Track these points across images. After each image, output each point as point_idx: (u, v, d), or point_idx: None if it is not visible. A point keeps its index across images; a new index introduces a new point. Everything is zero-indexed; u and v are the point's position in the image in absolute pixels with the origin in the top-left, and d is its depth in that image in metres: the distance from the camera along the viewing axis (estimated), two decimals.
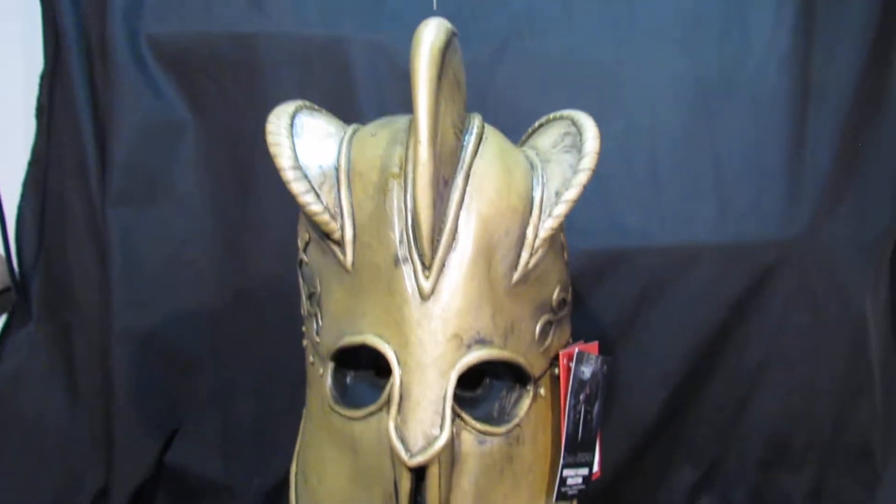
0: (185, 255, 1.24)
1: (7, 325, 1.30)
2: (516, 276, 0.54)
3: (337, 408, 0.55)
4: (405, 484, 0.48)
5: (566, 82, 1.14)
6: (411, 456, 0.46)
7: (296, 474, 0.65)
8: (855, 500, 1.21)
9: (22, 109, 1.28)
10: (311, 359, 0.62)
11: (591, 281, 1.12)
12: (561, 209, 0.54)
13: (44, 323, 1.28)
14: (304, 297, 0.63)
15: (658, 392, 1.14)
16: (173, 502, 1.25)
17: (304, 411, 0.64)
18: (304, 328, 0.65)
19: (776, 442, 1.17)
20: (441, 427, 0.47)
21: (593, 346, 0.61)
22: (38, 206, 1.28)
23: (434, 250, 0.50)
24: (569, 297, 0.63)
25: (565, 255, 0.63)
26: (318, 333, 0.59)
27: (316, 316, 0.59)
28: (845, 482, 1.20)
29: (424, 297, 0.50)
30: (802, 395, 1.16)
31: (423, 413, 0.47)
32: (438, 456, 0.47)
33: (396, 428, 0.47)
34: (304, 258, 0.61)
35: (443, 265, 0.51)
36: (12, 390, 1.26)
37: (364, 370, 0.58)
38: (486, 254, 0.52)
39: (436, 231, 0.50)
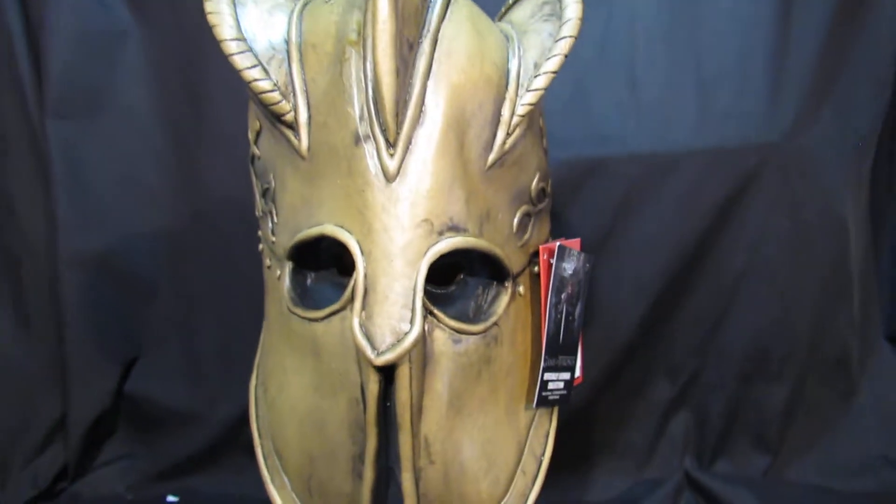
0: (136, 172, 1.15)
1: None
2: (492, 157, 0.47)
3: (296, 310, 0.49)
4: (372, 387, 0.42)
5: None
6: (378, 354, 0.41)
7: (255, 388, 0.60)
8: (831, 410, 1.20)
9: None
10: (267, 262, 0.56)
11: (568, 192, 1.07)
12: (540, 81, 0.48)
13: None
14: (257, 197, 0.56)
15: (636, 306, 1.11)
16: (135, 432, 1.20)
17: (264, 322, 0.59)
18: (259, 232, 0.59)
19: (754, 354, 1.15)
20: (411, 321, 0.41)
21: (575, 243, 0.56)
22: None
23: (399, 125, 0.43)
24: (549, 189, 0.57)
25: (544, 141, 0.57)
26: (273, 232, 0.53)
27: (270, 213, 0.53)
28: (822, 392, 1.20)
29: (389, 178, 0.43)
30: (782, 305, 1.13)
31: (390, 307, 0.42)
32: (409, 354, 0.41)
33: (361, 324, 0.41)
34: (256, 151, 0.54)
35: (409, 142, 0.44)
36: None
37: (326, 271, 0.52)
38: (457, 129, 0.45)
39: (400, 103, 0.43)
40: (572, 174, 1.07)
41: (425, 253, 0.43)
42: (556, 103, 1.07)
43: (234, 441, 1.17)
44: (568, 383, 0.56)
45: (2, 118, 1.17)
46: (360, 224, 0.43)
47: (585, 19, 1.02)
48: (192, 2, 1.08)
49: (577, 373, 0.58)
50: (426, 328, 0.45)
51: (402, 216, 0.43)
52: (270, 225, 0.53)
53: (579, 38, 1.07)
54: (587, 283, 0.57)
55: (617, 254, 1.09)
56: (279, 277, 0.51)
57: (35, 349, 1.19)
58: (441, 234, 0.44)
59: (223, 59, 1.11)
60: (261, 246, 0.58)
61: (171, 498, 1.13)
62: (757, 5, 1.05)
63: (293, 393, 0.50)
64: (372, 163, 0.43)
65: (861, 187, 1.17)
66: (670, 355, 1.15)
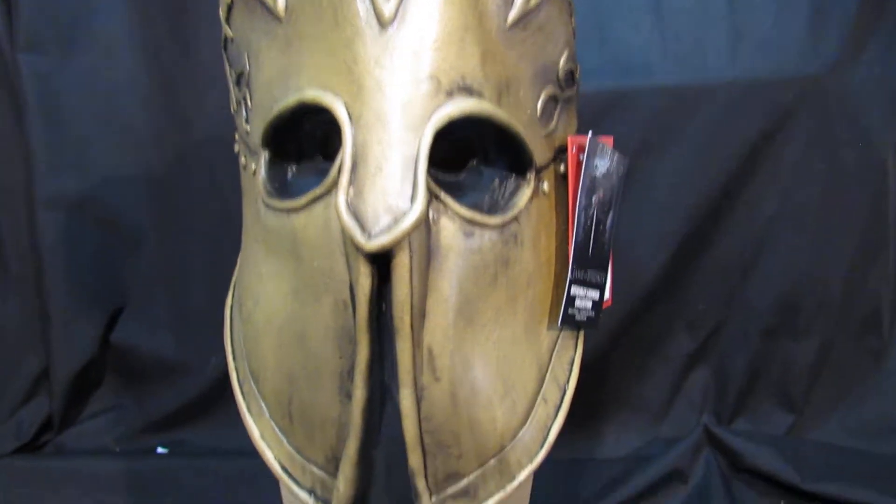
0: (116, 109, 1.07)
1: None
2: (513, 13, 0.39)
3: (272, 201, 0.41)
4: (364, 282, 0.34)
5: None
6: (370, 237, 0.32)
7: (230, 307, 0.52)
8: (859, 369, 1.13)
9: None
10: (243, 161, 0.48)
11: (589, 126, 0.98)
12: None
13: None
14: (231, 87, 0.49)
15: (657, 253, 1.03)
16: (123, 384, 1.14)
17: (242, 234, 0.51)
18: (235, 135, 0.51)
19: (782, 307, 1.07)
20: (412, 198, 0.33)
21: (608, 139, 0.48)
22: None
23: None
24: (577, 74, 0.49)
25: (572, 21, 0.48)
26: (247, 121, 0.45)
27: (245, 101, 0.45)
28: (851, 350, 1.12)
29: (384, 23, 0.35)
30: (813, 255, 1.05)
31: (385, 181, 0.33)
32: (409, 239, 0.34)
33: (349, 203, 0.33)
34: (229, 31, 0.46)
35: None
36: None
37: (310, 161, 0.44)
38: None
39: None
40: (590, 108, 0.97)
41: (430, 116, 0.35)
42: (577, 32, 0.99)
43: (225, 392, 1.10)
44: (596, 304, 0.48)
45: None
46: (347, 82, 0.35)
47: None
48: None
49: (607, 294, 0.50)
50: (431, 215, 0.37)
51: (400, 70, 0.35)
52: (245, 114, 0.45)
53: None
54: (621, 190, 0.49)
55: (638, 196, 1.01)
56: (254, 173, 0.44)
57: (15, 297, 1.12)
58: (450, 94, 0.36)
59: None
60: (236, 146, 0.50)
61: (160, 450, 1.06)
62: None
63: (270, 303, 0.42)
64: (362, 6, 0.35)
65: None
66: (692, 307, 1.08)
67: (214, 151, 1.07)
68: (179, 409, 1.10)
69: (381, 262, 0.34)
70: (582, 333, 0.50)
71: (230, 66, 0.48)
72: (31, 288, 1.10)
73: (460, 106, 0.36)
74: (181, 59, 1.06)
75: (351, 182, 0.33)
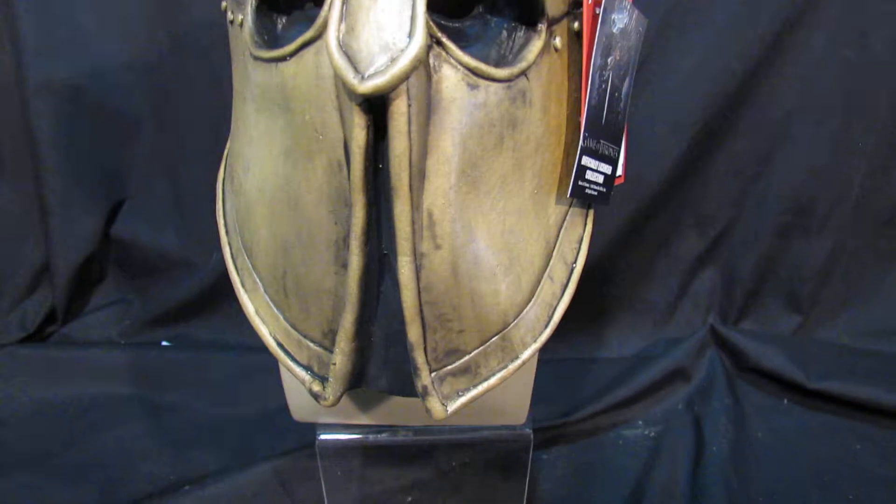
0: None
1: None
2: None
3: (260, 52, 0.37)
4: (358, 133, 0.31)
5: None
6: (364, 78, 0.29)
7: (222, 181, 0.49)
8: (870, 272, 1.11)
9: None
10: (230, 16, 0.44)
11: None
12: None
13: None
14: None
15: (669, 147, 0.99)
16: (125, 278, 1.13)
17: (232, 101, 0.47)
18: None
19: (796, 206, 1.04)
20: (410, 34, 0.29)
21: None
22: None
23: None
24: None
25: None
26: None
27: None
28: (863, 252, 1.10)
29: None
30: (832, 150, 1.01)
31: (380, 14, 0.30)
32: (407, 82, 0.30)
33: (340, 41, 0.30)
34: None
35: None
36: None
37: (299, 11, 0.40)
38: None
39: None
40: None
41: None
42: None
43: (228, 286, 1.09)
44: (608, 179, 0.45)
45: None
46: None
47: None
48: None
49: (619, 170, 0.47)
50: (432, 62, 0.34)
51: None
52: None
53: None
54: (637, 54, 0.45)
55: (651, 86, 0.96)
56: (241, 24, 0.40)
57: (12, 190, 1.10)
58: None
59: None
60: (223, 3, 0.46)
61: (164, 343, 1.07)
62: None
63: (261, 168, 0.40)
64: None
65: None
66: (702, 204, 1.05)
67: (210, 35, 1.01)
68: (183, 303, 1.10)
69: (378, 112, 0.31)
70: (592, 211, 0.47)
71: None
72: (29, 179, 1.08)
73: None
74: None
75: (342, 18, 0.30)
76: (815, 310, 1.10)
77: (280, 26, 0.40)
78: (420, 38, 0.29)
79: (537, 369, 1.00)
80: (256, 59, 0.38)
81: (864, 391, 0.93)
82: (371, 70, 0.29)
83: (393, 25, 0.29)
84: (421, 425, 0.63)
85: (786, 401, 0.97)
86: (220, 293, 1.09)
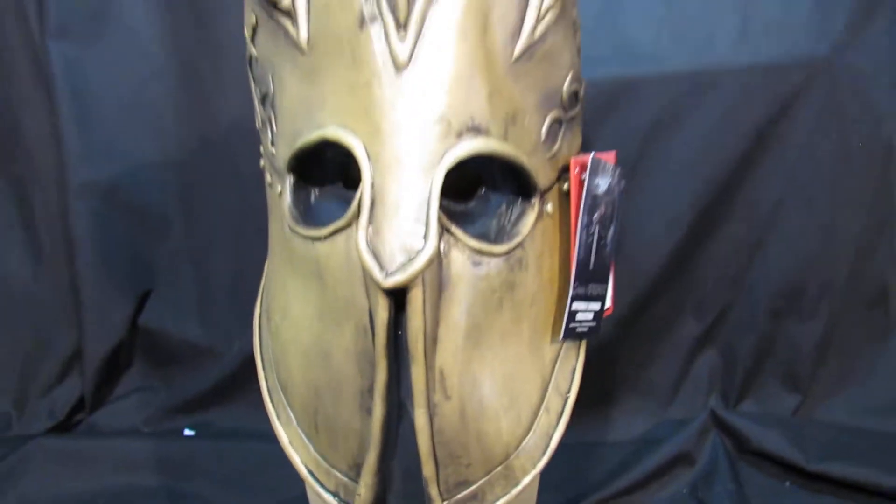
0: (142, 98, 1.10)
1: None
2: (519, 46, 0.41)
3: (298, 228, 0.44)
4: (382, 314, 0.37)
5: None
6: (387, 275, 0.36)
7: (259, 316, 0.55)
8: (865, 350, 1.15)
9: None
10: (268, 178, 0.50)
11: (596, 115, 1.00)
12: None
13: None
14: (256, 104, 0.51)
15: (666, 236, 1.05)
16: (151, 366, 1.19)
17: (269, 244, 0.54)
18: (260, 147, 0.53)
19: (788, 289, 1.09)
20: (425, 237, 0.36)
21: (610, 155, 0.50)
22: None
23: (411, 1, 0.37)
24: (582, 92, 0.51)
25: (577, 37, 0.50)
26: (272, 143, 0.47)
27: (270, 122, 0.47)
28: (856, 331, 1.14)
29: (399, 67, 0.38)
30: (820, 237, 1.07)
31: (401, 220, 0.36)
32: (422, 275, 0.36)
33: (368, 241, 0.36)
34: (254, 50, 0.48)
35: (423, 22, 0.38)
36: None
37: (332, 185, 0.47)
38: (479, 9, 0.39)
39: None
40: (601, 95, 0.99)
41: (442, 157, 0.37)
42: (584, 19, 0.99)
43: (249, 375, 1.12)
44: (597, 314, 0.51)
45: (4, 41, 1.11)
46: (366, 124, 0.38)
47: None
48: None
49: (608, 303, 0.53)
50: (442, 248, 0.40)
51: (415, 113, 0.37)
52: (270, 135, 0.48)
53: None
54: (621, 203, 0.51)
55: (647, 181, 1.03)
56: (280, 194, 0.46)
57: (49, 281, 1.17)
58: (460, 135, 0.38)
59: None
60: (262, 161, 0.53)
61: (187, 431, 1.12)
62: None
63: (296, 321, 0.46)
64: (379, 48, 0.38)
65: None
66: (699, 290, 1.10)
67: (237, 138, 1.10)
68: (205, 392, 1.15)
69: (398, 293, 0.37)
70: (584, 343, 0.53)
71: (255, 84, 0.51)
72: (64, 271, 1.15)
73: (468, 146, 0.38)
74: (204, 47, 1.09)
75: (370, 221, 0.36)
76: (813, 388, 1.13)
77: (314, 197, 0.46)
78: (433, 242, 0.35)
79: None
80: (294, 232, 0.44)
81: (863, 473, 0.96)
82: (393, 268, 0.35)
83: (411, 230, 0.36)
84: None
85: (788, 483, 0.99)
86: (241, 382, 1.14)
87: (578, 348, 0.52)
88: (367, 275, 0.37)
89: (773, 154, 1.02)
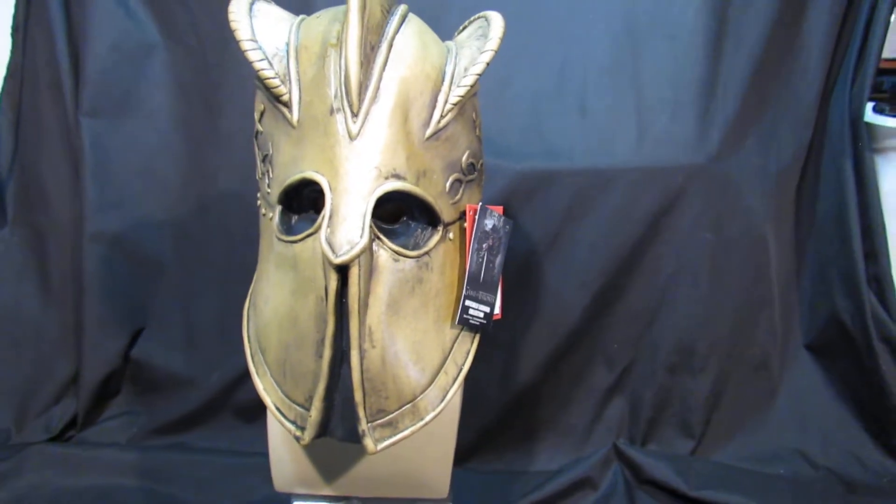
0: (154, 166, 1.34)
1: None
2: (429, 131, 0.66)
3: (283, 237, 0.67)
4: (332, 284, 0.59)
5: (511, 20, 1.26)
6: (337, 256, 0.57)
7: (247, 308, 0.77)
8: (751, 406, 1.36)
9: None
10: (263, 211, 0.73)
11: (523, 199, 1.25)
12: (467, 80, 0.66)
13: (18, 226, 1.38)
14: (258, 162, 0.74)
15: (579, 300, 1.28)
16: (137, 393, 1.36)
17: (259, 259, 0.75)
18: (258, 194, 0.76)
19: (681, 348, 1.31)
20: (360, 236, 0.58)
21: (498, 208, 0.74)
22: (13, 117, 1.37)
23: (361, 101, 0.62)
24: (479, 165, 0.75)
25: (478, 131, 0.75)
26: (269, 186, 0.70)
27: (267, 173, 0.71)
28: (743, 389, 1.35)
29: (352, 138, 0.62)
30: (706, 307, 1.30)
31: (347, 226, 0.59)
32: (358, 259, 0.59)
33: (327, 238, 0.58)
34: (259, 127, 0.72)
35: (367, 114, 0.62)
36: None
37: (305, 213, 0.70)
38: (402, 108, 0.64)
39: (363, 87, 0.62)
40: (527, 183, 1.25)
41: (374, 191, 0.61)
42: (515, 124, 1.27)
43: (225, 404, 1.33)
44: (487, 315, 0.73)
45: (41, 114, 1.36)
46: (330, 169, 0.62)
47: (546, 55, 1.21)
48: (211, 23, 1.30)
49: (497, 310, 0.75)
50: (374, 247, 0.63)
51: (359, 164, 0.62)
52: (267, 181, 0.71)
53: (536, 73, 1.25)
54: (506, 241, 0.74)
55: (564, 253, 1.27)
56: (271, 219, 0.69)
57: (54, 314, 1.36)
58: (386, 178, 0.63)
59: (234, 74, 1.30)
60: (259, 201, 0.76)
61: None
62: (690, 45, 1.24)
63: (276, 301, 0.67)
64: (341, 127, 0.62)
65: (783, 210, 1.35)
66: (608, 346, 1.32)
67: (227, 202, 1.33)
68: (183, 417, 1.33)
69: (343, 273, 0.60)
70: (478, 335, 0.75)
71: (258, 148, 0.75)
72: (69, 306, 1.34)
73: (392, 185, 0.63)
74: (208, 127, 1.33)
75: (329, 226, 0.59)
76: (706, 437, 1.34)
77: (294, 220, 0.70)
78: (366, 239, 0.58)
79: (471, 477, 1.23)
80: (280, 239, 0.67)
81: (738, 499, 1.16)
82: (341, 252, 0.58)
83: (354, 232, 0.59)
84: (368, 496, 0.86)
85: None
86: (218, 410, 1.32)
87: (473, 337, 0.74)
88: (324, 258, 0.59)
89: (663, 238, 1.27)
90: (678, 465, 1.23)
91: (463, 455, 1.29)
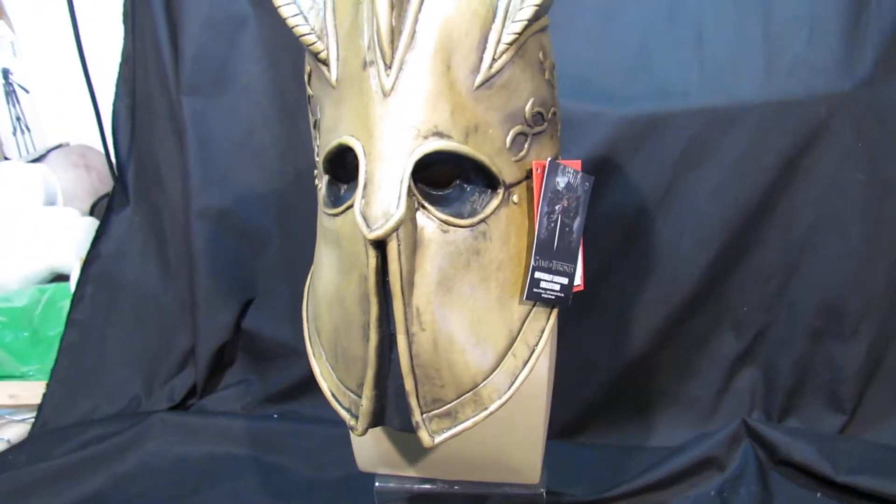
0: (251, 139, 1.34)
1: (108, 208, 1.47)
2: (479, 78, 0.57)
3: (327, 210, 0.61)
4: (371, 261, 0.52)
5: None
6: (371, 230, 0.51)
7: (308, 286, 0.73)
8: None
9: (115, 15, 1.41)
10: (317, 182, 0.68)
11: (630, 149, 1.12)
12: (525, 13, 0.56)
13: (139, 205, 1.44)
14: (312, 130, 0.69)
15: (697, 260, 1.13)
16: (250, 362, 1.40)
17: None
18: (316, 158, 0.71)
19: (827, 310, 1.13)
20: (397, 206, 0.51)
21: (575, 163, 0.64)
22: (129, 102, 1.43)
23: (394, 50, 0.54)
24: (549, 115, 0.65)
25: (547, 74, 0.64)
26: (317, 155, 0.65)
27: (315, 140, 0.65)
28: None
29: (386, 94, 0.54)
30: (858, 262, 1.11)
31: (383, 195, 0.52)
32: (396, 232, 0.51)
33: (361, 210, 0.52)
34: (309, 90, 0.66)
35: (402, 63, 0.54)
36: (116, 264, 1.44)
37: (354, 181, 0.63)
38: (444, 53, 0.55)
39: (396, 33, 0.54)
40: (634, 130, 1.11)
41: (412, 153, 0.53)
42: (620, 65, 1.13)
43: None
44: (565, 287, 0.63)
45: (151, 97, 1.40)
46: (364, 132, 0.54)
47: None
48: None
49: (578, 280, 0.65)
50: (419, 218, 0.55)
51: (394, 124, 0.54)
52: (316, 149, 0.65)
53: (646, 4, 1.11)
54: (586, 200, 0.64)
55: (678, 208, 1.12)
56: (321, 189, 0.64)
57: (173, 290, 1.42)
58: (426, 137, 0.54)
59: None
60: (315, 171, 0.70)
61: (275, 416, 1.31)
62: None
63: (326, 279, 0.62)
64: (374, 82, 0.54)
65: None
66: (736, 310, 1.17)
67: None
68: (292, 385, 1.34)
69: (381, 249, 0.53)
70: (555, 310, 0.65)
71: (311, 114, 0.69)
72: (185, 283, 1.39)
73: (432, 145, 0.54)
74: (300, 97, 1.31)
75: (363, 196, 0.52)
76: (859, 412, 1.16)
77: (343, 190, 0.63)
78: (402, 209, 0.51)
79: (581, 452, 1.15)
80: (325, 213, 0.62)
81: (892, 486, 0.98)
82: (375, 226, 0.51)
83: (389, 202, 0.52)
84: (451, 479, 0.80)
85: (819, 495, 1.03)
86: None
87: (549, 313, 0.65)
88: (359, 231, 0.53)
89: (802, 183, 1.09)
90: (822, 445, 1.06)
91: (571, 429, 1.20)
